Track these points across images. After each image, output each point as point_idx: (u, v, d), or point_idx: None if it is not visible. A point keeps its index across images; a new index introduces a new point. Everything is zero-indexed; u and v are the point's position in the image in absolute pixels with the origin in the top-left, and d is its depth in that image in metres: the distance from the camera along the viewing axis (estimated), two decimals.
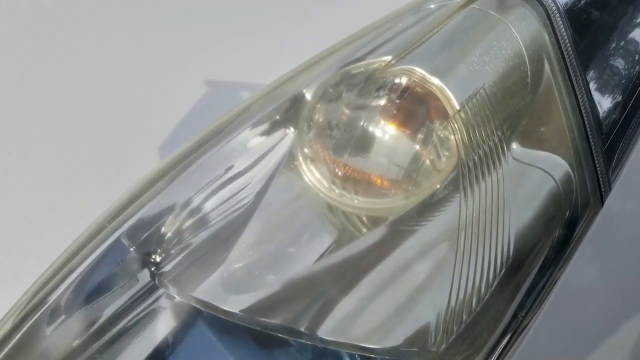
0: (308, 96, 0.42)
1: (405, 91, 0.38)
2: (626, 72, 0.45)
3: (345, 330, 0.35)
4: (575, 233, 0.41)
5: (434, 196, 0.38)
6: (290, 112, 0.42)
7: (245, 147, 0.41)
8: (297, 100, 0.42)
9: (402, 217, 0.38)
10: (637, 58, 0.46)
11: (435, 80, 0.37)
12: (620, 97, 0.44)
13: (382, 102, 0.38)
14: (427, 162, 0.38)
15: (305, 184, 0.40)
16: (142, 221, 0.39)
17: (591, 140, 0.41)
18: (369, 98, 0.39)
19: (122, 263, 0.38)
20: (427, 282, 0.36)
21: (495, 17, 0.40)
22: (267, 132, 0.42)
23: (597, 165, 0.42)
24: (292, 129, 0.42)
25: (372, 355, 0.36)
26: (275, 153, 0.42)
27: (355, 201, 0.39)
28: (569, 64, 0.40)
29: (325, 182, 0.40)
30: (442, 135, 0.38)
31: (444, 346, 0.35)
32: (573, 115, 0.40)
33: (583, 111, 0.41)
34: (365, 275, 0.36)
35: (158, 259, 0.40)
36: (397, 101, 0.38)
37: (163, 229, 0.39)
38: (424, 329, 0.35)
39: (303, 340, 0.36)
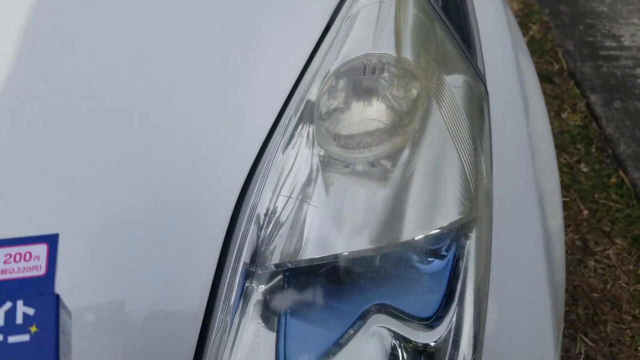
0: (312, 98, 0.58)
1: (390, 66, 0.57)
2: (461, 18, 0.74)
3: (416, 228, 0.50)
4: (485, 112, 0.63)
5: (425, 122, 0.55)
6: (306, 111, 0.58)
7: (287, 147, 0.57)
8: (308, 103, 0.58)
9: (412, 143, 0.54)
10: (462, 11, 0.75)
11: (401, 54, 0.57)
12: (461, 23, 0.72)
13: (377, 80, 0.57)
14: (412, 105, 0.56)
15: (333, 155, 0.55)
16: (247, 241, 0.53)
17: (468, 57, 0.65)
18: (365, 80, 0.57)
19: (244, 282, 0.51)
20: (447, 171, 0.53)
21: (407, 7, 0.63)
22: (297, 133, 0.57)
23: (477, 69, 0.65)
24: (309, 125, 0.57)
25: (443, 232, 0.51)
26: (306, 145, 0.56)
27: (371, 151, 0.54)
28: (444, 20, 0.65)
29: (343, 149, 0.55)
30: (413, 84, 0.57)
31: (473, 207, 0.53)
32: (456, 47, 0.64)
33: (459, 43, 0.64)
34: (407, 188, 0.51)
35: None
36: (385, 75, 0.57)
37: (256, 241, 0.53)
38: (460, 201, 0.52)
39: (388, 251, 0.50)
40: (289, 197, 0.53)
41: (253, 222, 0.53)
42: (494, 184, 0.62)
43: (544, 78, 2.15)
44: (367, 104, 0.56)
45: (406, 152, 0.53)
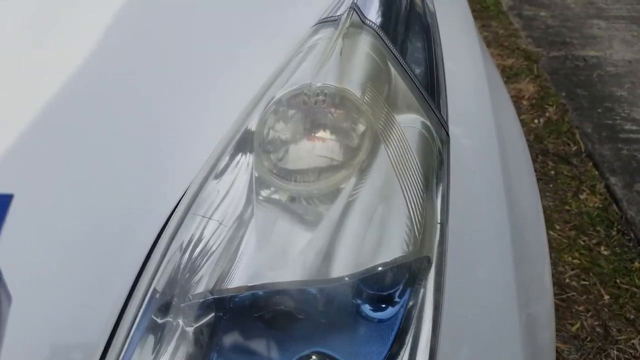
0: (253, 127, 0.58)
1: (330, 98, 0.55)
2: (423, 58, 0.73)
3: (354, 265, 0.47)
4: (444, 157, 0.60)
5: (370, 158, 0.54)
6: (245, 141, 0.57)
7: (223, 175, 0.55)
8: (247, 132, 0.58)
9: (354, 179, 0.52)
10: (425, 50, 0.74)
11: (343, 87, 0.56)
12: (428, 73, 0.70)
13: (317, 110, 0.55)
14: (355, 140, 0.54)
15: (272, 187, 0.54)
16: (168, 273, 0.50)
17: (427, 99, 0.62)
18: (305, 110, 0.56)
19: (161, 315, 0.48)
20: (391, 210, 0.51)
21: (356, 43, 0.63)
22: (234, 160, 0.56)
23: (436, 112, 0.62)
24: (248, 154, 0.56)
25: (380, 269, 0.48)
26: (244, 173, 0.55)
27: (310, 185, 0.52)
28: (399, 59, 0.64)
29: (283, 180, 0.53)
30: (357, 117, 0.55)
31: (418, 247, 0.50)
32: (412, 88, 0.62)
33: (416, 84, 0.63)
34: (345, 223, 0.49)
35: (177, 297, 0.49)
36: (325, 106, 0.55)
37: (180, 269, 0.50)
38: (402, 240, 0.49)
39: (331, 285, 0.48)
40: (216, 228, 0.50)
41: (172, 249, 0.50)
42: (464, 251, 0.59)
43: (561, 159, 2.11)
44: (310, 136, 0.54)
45: (348, 187, 0.51)
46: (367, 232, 0.49)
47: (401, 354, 0.46)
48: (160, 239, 0.51)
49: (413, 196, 0.52)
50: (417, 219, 0.50)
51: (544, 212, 1.86)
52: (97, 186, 0.54)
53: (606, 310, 1.59)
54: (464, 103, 0.73)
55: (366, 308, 0.49)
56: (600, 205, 1.92)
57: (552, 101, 2.40)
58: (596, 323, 1.56)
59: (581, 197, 1.96)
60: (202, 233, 0.50)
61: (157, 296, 0.48)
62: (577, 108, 2.36)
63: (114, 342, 0.46)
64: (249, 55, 0.68)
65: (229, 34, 0.70)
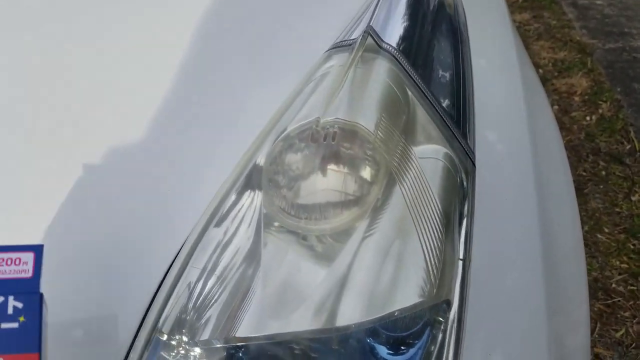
0: (261, 163, 0.56)
1: (341, 133, 0.53)
2: (450, 80, 0.68)
3: (367, 312, 0.46)
4: (468, 189, 0.58)
5: (384, 196, 0.52)
6: (253, 178, 0.56)
7: (230, 214, 0.54)
8: (256, 167, 0.56)
9: (368, 218, 0.51)
10: (452, 70, 0.69)
11: (355, 121, 0.54)
12: (454, 97, 0.66)
13: (327, 146, 0.53)
14: (366, 178, 0.52)
15: (282, 225, 0.52)
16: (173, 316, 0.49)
17: (450, 127, 0.60)
18: (314, 146, 0.54)
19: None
20: (406, 251, 0.49)
21: (370, 70, 0.60)
22: (241, 198, 0.55)
23: (460, 141, 0.60)
24: (257, 191, 0.55)
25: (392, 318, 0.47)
26: (252, 212, 0.54)
27: (322, 224, 0.51)
28: (420, 85, 0.60)
29: (293, 218, 0.52)
30: (370, 154, 0.53)
31: (435, 291, 0.48)
32: (434, 115, 0.59)
33: (439, 111, 0.60)
34: (360, 267, 0.48)
35: (185, 339, 0.48)
36: (336, 142, 0.53)
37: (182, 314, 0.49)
38: (419, 284, 0.48)
39: (339, 334, 0.47)
40: (222, 273, 0.50)
41: (178, 293, 0.50)
42: (496, 274, 0.58)
43: (614, 158, 2.05)
44: (323, 172, 0.52)
45: (362, 226, 0.50)
46: (381, 276, 0.48)
47: None
48: (163, 284, 0.51)
49: (430, 236, 0.50)
50: (434, 260, 0.49)
51: (593, 214, 1.83)
52: (98, 228, 0.54)
53: None
54: (496, 121, 0.72)
55: (382, 350, 0.48)
56: None
57: (606, 97, 2.33)
58: None
59: (633, 198, 1.91)
60: (204, 282, 0.50)
61: (164, 338, 0.47)
62: (633, 104, 2.28)
63: None
64: (257, 91, 0.65)
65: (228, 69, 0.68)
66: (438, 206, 0.53)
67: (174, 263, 0.52)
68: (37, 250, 0.43)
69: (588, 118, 2.25)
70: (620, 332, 1.52)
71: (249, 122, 0.61)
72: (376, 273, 0.48)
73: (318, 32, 0.72)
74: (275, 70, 0.68)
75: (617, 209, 1.87)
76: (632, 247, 1.75)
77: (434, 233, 0.51)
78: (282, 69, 0.68)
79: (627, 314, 1.57)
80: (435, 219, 0.52)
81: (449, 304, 0.50)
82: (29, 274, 0.41)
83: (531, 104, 0.80)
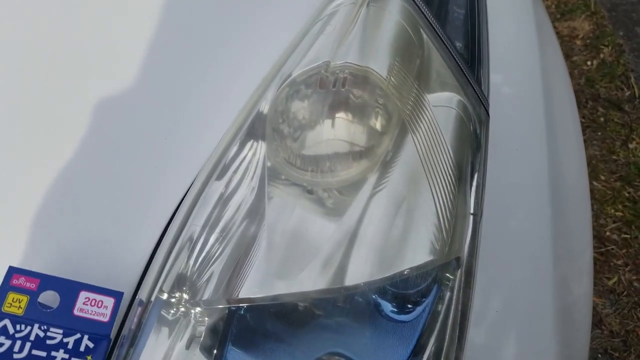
0: (265, 111, 0.52)
1: (351, 79, 0.49)
2: (464, 21, 0.64)
3: (376, 270, 0.44)
4: (482, 140, 0.55)
5: (396, 147, 0.49)
6: (256, 128, 0.52)
7: (231, 166, 0.50)
8: (259, 116, 0.52)
9: (378, 170, 0.48)
10: (467, 10, 0.66)
11: (367, 65, 0.50)
12: (468, 40, 0.63)
13: (337, 93, 0.49)
14: (377, 128, 0.49)
15: (287, 178, 0.49)
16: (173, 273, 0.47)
17: (465, 73, 0.56)
18: (323, 93, 0.50)
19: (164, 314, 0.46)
20: (417, 207, 0.47)
21: (383, 9, 0.55)
22: (244, 148, 0.51)
23: (475, 88, 0.56)
24: (260, 141, 0.51)
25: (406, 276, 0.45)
26: (255, 164, 0.50)
27: (329, 176, 0.48)
28: (434, 26, 0.56)
29: (299, 170, 0.49)
30: (382, 102, 0.49)
31: (446, 250, 0.46)
32: (449, 60, 0.55)
33: (454, 55, 0.56)
34: (368, 223, 0.45)
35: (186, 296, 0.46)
36: (346, 88, 0.49)
37: (184, 269, 0.47)
38: (430, 241, 0.46)
39: (347, 293, 0.44)
40: (224, 228, 0.47)
41: (179, 250, 0.47)
42: (502, 219, 0.56)
43: (613, 105, 2.02)
44: (331, 121, 0.48)
45: (372, 180, 0.47)
46: (391, 232, 0.45)
47: (424, 357, 0.44)
48: (163, 240, 0.49)
49: (443, 190, 0.48)
50: (447, 216, 0.47)
51: (590, 161, 1.81)
52: (98, 182, 0.51)
53: None
54: (508, 65, 0.68)
55: (387, 307, 0.46)
56: None
57: (608, 41, 2.26)
58: (634, 278, 1.54)
59: (630, 146, 1.88)
60: (206, 239, 0.47)
61: (164, 297, 0.45)
62: (635, 49, 2.23)
63: (122, 336, 0.46)
64: (256, 28, 0.61)
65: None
66: (451, 158, 0.50)
67: (174, 218, 0.50)
68: (118, 297, 0.45)
69: (589, 63, 2.19)
70: (613, 280, 1.53)
71: (253, 70, 0.57)
72: (386, 229, 0.45)
73: None
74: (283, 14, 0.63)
75: (614, 157, 1.85)
76: (627, 195, 1.75)
77: (447, 187, 0.48)
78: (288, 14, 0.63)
79: (620, 262, 1.58)
80: (448, 171, 0.49)
81: (459, 260, 0.48)
82: (106, 319, 0.45)
83: (543, 46, 0.76)
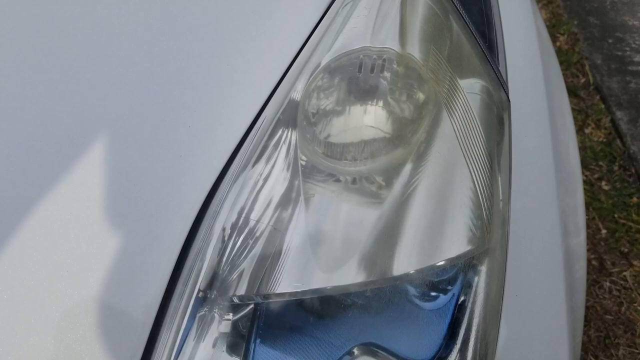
0: (297, 98, 0.50)
1: (391, 64, 0.48)
2: (482, 6, 0.66)
3: (413, 260, 0.43)
4: (506, 125, 0.56)
5: (431, 133, 0.48)
6: (288, 113, 0.50)
7: (262, 157, 0.48)
8: (292, 103, 0.50)
9: (415, 157, 0.46)
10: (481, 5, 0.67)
11: (406, 51, 0.49)
12: (485, 25, 0.64)
13: (375, 78, 0.48)
14: (416, 114, 0.48)
15: (322, 169, 0.47)
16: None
17: (488, 58, 0.56)
18: (360, 79, 0.49)
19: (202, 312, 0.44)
20: (457, 193, 0.46)
21: None
22: (274, 139, 0.49)
23: (497, 74, 0.57)
24: (292, 130, 0.49)
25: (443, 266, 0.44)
26: (286, 153, 0.48)
27: (361, 164, 0.46)
28: (460, 11, 0.56)
29: (332, 160, 0.47)
30: (420, 87, 0.49)
31: (486, 238, 0.46)
32: (475, 46, 0.56)
33: (479, 41, 0.57)
34: (405, 212, 0.44)
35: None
36: (384, 74, 0.48)
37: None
38: (470, 230, 0.45)
39: (394, 284, 0.43)
40: (257, 221, 0.45)
41: (212, 244, 0.45)
42: (513, 201, 0.57)
43: (569, 91, 2.10)
44: (364, 108, 0.47)
45: (407, 168, 0.45)
46: (429, 222, 0.44)
47: (456, 344, 0.43)
48: (197, 235, 0.46)
49: (480, 176, 0.47)
50: (486, 204, 0.46)
51: None
52: (127, 177, 0.48)
53: (602, 244, 1.66)
54: (516, 61, 0.69)
55: (419, 296, 0.45)
56: (605, 140, 1.94)
57: (563, 29, 2.35)
58: (592, 256, 1.63)
59: (586, 131, 1.98)
60: (241, 228, 0.45)
61: (200, 295, 0.44)
62: (589, 38, 2.32)
63: (159, 335, 0.43)
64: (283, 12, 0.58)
65: None
66: (484, 143, 0.49)
67: (208, 210, 0.47)
68: None
69: None
70: None
71: (277, 55, 0.54)
72: (426, 219, 0.45)
73: None
74: None
75: None
76: (584, 178, 1.83)
77: (484, 172, 0.48)
78: None
79: None
80: (483, 157, 0.49)
81: (492, 249, 0.47)
82: None
83: (540, 35, 0.79)
